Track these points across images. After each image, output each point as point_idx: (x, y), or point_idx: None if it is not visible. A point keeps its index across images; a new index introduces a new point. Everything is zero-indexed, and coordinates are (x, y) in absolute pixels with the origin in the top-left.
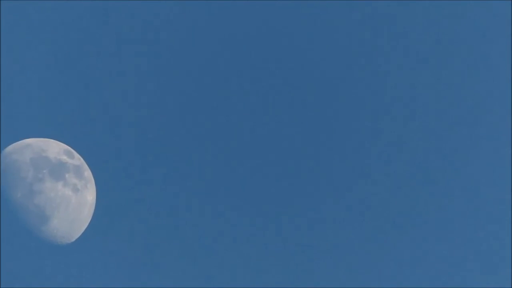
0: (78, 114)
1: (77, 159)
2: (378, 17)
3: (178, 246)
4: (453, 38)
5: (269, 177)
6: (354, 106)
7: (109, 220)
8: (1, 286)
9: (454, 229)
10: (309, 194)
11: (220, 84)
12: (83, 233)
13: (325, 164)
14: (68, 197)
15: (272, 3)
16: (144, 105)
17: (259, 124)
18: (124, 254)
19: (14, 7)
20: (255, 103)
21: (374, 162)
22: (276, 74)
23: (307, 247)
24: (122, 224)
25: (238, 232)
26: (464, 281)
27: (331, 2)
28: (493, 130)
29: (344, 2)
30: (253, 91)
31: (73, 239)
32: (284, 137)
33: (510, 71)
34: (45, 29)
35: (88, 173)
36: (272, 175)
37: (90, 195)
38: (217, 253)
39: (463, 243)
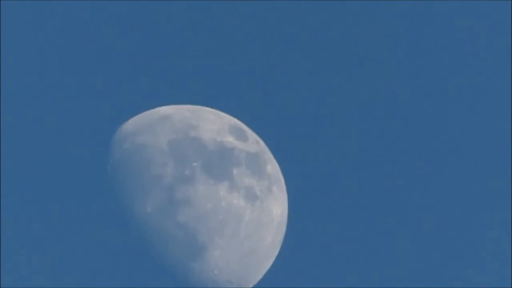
0: (253, 64)
1: (254, 143)
2: (377, 16)
3: None
4: (452, 38)
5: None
6: (354, 106)
7: (309, 250)
8: (1, 286)
9: (453, 228)
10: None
11: None
12: (265, 275)
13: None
14: (239, 210)
15: (272, 3)
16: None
17: None
18: None
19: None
20: None
21: (373, 161)
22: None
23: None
24: (331, 255)
25: None
26: (464, 281)
27: (331, 2)
28: (493, 130)
29: (344, 2)
30: None
31: (250, 286)
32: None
33: (510, 71)
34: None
35: (273, 166)
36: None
37: (277, 207)
38: None
39: (463, 242)
